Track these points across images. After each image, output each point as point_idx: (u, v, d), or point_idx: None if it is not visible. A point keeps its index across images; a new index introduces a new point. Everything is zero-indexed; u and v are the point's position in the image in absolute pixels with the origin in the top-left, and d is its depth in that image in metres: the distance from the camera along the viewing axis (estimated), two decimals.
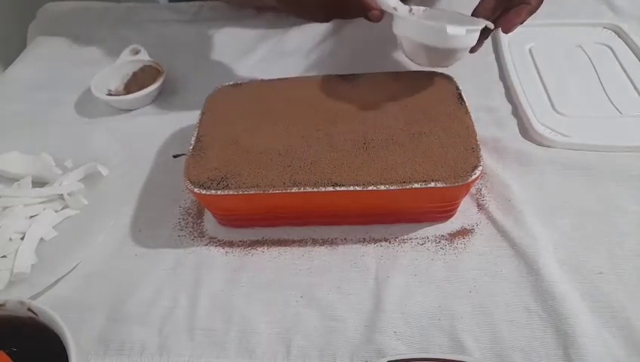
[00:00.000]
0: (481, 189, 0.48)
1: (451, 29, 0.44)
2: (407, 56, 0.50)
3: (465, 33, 0.44)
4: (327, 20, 0.53)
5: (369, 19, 0.47)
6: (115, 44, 0.70)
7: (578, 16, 0.68)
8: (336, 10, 0.49)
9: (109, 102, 0.61)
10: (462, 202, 0.45)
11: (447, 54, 0.47)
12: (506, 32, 0.48)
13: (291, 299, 0.42)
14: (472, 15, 0.49)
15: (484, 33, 0.48)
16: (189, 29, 0.74)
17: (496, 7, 0.48)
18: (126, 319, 0.41)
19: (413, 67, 0.52)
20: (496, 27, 0.49)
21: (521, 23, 0.48)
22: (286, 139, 0.45)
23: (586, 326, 0.37)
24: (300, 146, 0.44)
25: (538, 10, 0.69)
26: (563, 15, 0.68)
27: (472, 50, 0.49)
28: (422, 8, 0.51)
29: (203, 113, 0.49)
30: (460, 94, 0.48)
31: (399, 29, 0.48)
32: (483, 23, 0.47)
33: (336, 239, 0.45)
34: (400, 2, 0.49)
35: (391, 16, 0.47)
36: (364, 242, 0.45)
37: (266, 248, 0.45)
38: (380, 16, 0.46)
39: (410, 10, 0.51)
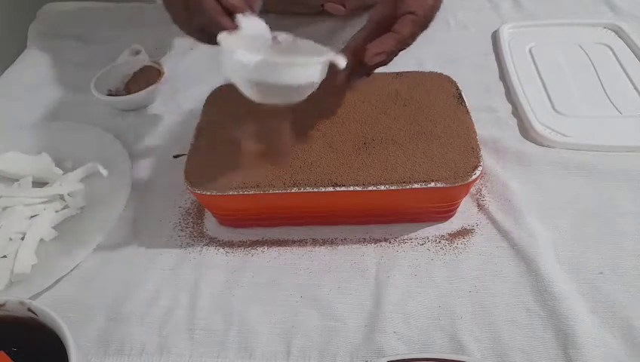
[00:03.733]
0: (481, 189, 0.48)
1: (240, 55, 0.36)
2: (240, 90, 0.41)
3: (256, 61, 0.36)
4: (199, 40, 0.46)
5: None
6: (115, 45, 0.70)
7: (578, 16, 0.68)
8: (202, 32, 0.43)
9: (109, 102, 0.61)
10: (462, 202, 0.45)
11: (273, 89, 0.38)
12: (367, 62, 0.40)
13: (291, 299, 0.42)
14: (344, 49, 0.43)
15: (345, 76, 0.42)
16: None
17: (370, 33, 0.42)
18: (126, 319, 0.41)
19: (414, 67, 0.52)
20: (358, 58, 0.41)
21: (389, 54, 0.41)
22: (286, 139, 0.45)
23: (586, 326, 0.37)
24: (300, 146, 0.44)
25: (537, 11, 0.69)
26: (563, 15, 0.68)
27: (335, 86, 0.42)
28: (291, 37, 0.43)
29: (203, 113, 0.49)
30: (460, 94, 0.48)
31: (225, 67, 0.39)
32: (325, 56, 0.39)
33: (336, 239, 0.45)
34: (267, 29, 0.42)
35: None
36: (364, 242, 0.45)
37: (266, 248, 0.45)
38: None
39: (275, 38, 0.42)
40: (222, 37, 0.39)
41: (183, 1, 0.43)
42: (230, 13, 0.41)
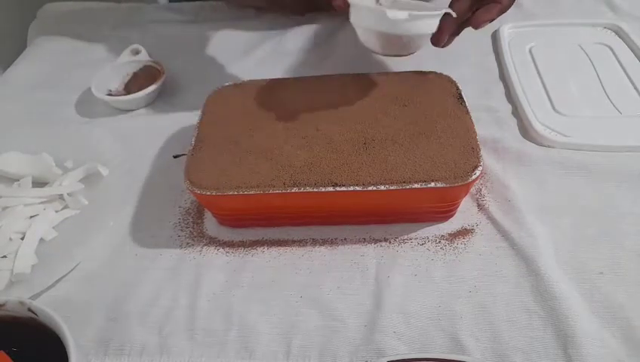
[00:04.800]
0: (481, 189, 0.48)
1: (391, 14, 0.42)
2: (363, 43, 0.49)
3: (406, 17, 0.43)
4: (300, 13, 0.52)
5: (334, 9, 0.46)
6: (115, 45, 0.70)
7: (578, 16, 0.68)
8: (309, 4, 0.48)
9: (109, 102, 0.61)
10: (462, 202, 0.45)
11: (399, 42, 0.46)
12: (475, 27, 0.48)
13: (291, 299, 0.42)
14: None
15: (454, 28, 0.47)
16: (189, 30, 0.74)
17: (471, 5, 0.47)
18: (126, 319, 0.41)
19: (414, 67, 0.52)
20: (466, 24, 0.48)
21: (491, 21, 0.48)
22: (286, 139, 0.45)
23: (586, 326, 0.37)
24: (300, 146, 0.44)
25: (537, 11, 0.70)
26: (563, 15, 0.68)
27: (437, 41, 0.47)
28: None
29: (203, 113, 0.49)
30: (460, 94, 0.48)
31: (351, 15, 0.47)
32: (442, 11, 0.45)
33: (336, 239, 0.45)
34: None
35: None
36: (364, 242, 0.45)
37: (266, 248, 0.45)
38: (343, 6, 0.46)
39: (378, 1, 0.49)
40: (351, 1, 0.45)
41: None
42: None
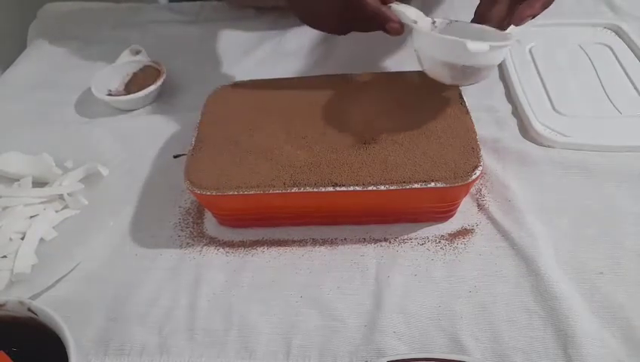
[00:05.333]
0: (481, 189, 0.48)
1: (473, 45, 0.40)
2: (427, 73, 0.46)
3: (488, 49, 0.40)
4: (342, 33, 0.49)
5: (387, 33, 0.44)
6: (115, 45, 0.70)
7: (578, 16, 0.68)
8: (352, 22, 0.47)
9: (109, 102, 0.61)
10: (462, 202, 0.45)
11: (471, 72, 0.43)
12: (516, 24, 0.44)
13: (291, 299, 0.42)
14: (481, 19, 0.46)
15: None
16: (189, 30, 0.74)
17: (510, 6, 0.45)
18: (126, 319, 0.41)
19: (414, 67, 0.52)
20: (507, 23, 0.45)
21: (534, 16, 0.44)
22: (286, 139, 0.45)
23: (586, 326, 0.37)
24: (300, 146, 0.44)
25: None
26: (563, 15, 0.68)
27: None
28: (446, 21, 0.47)
29: (203, 113, 0.49)
30: (460, 94, 0.48)
31: (418, 43, 0.44)
32: (511, 38, 0.44)
33: (336, 239, 0.45)
34: (422, 14, 0.46)
35: (411, 29, 0.44)
36: (364, 242, 0.45)
37: (266, 248, 0.45)
38: (400, 30, 0.44)
39: (434, 23, 0.47)
40: (417, 27, 0.44)
41: None
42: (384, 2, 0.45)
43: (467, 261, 0.43)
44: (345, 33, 0.49)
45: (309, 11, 0.49)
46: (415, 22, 0.44)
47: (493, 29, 0.45)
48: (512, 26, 0.45)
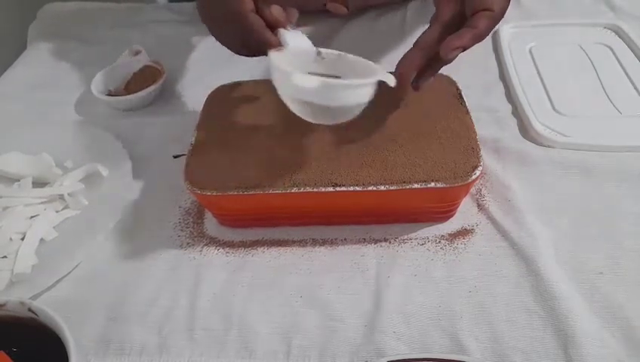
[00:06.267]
0: (481, 189, 0.48)
1: (299, 79, 0.36)
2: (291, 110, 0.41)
3: (316, 86, 0.36)
4: (249, 55, 0.46)
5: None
6: (115, 45, 0.70)
7: (578, 16, 0.68)
8: (242, 46, 0.44)
9: (109, 102, 0.61)
10: (462, 202, 0.45)
11: (324, 110, 0.38)
12: (444, 57, 0.40)
13: (291, 299, 0.42)
14: (399, 64, 0.43)
15: (419, 67, 0.43)
16: (189, 29, 0.74)
17: (441, 34, 0.42)
18: (126, 319, 0.41)
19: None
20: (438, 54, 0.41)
21: (464, 49, 0.41)
22: (286, 139, 0.45)
23: (586, 326, 0.37)
24: (300, 146, 0.44)
25: (537, 11, 0.69)
26: (563, 15, 0.68)
27: (402, 92, 0.43)
28: (335, 53, 0.42)
29: (203, 113, 0.49)
30: (460, 94, 0.48)
31: (273, 77, 0.40)
32: (378, 76, 0.39)
33: (336, 239, 0.45)
34: (309, 43, 0.43)
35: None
36: (364, 242, 0.45)
37: (266, 248, 0.45)
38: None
39: (319, 54, 0.42)
40: (273, 56, 0.40)
41: (223, 15, 0.44)
42: (272, 28, 0.42)
43: (467, 261, 0.43)
44: (252, 55, 0.45)
45: (217, 32, 0.47)
46: (279, 49, 0.41)
47: (380, 67, 0.40)
48: (391, 76, 0.40)
